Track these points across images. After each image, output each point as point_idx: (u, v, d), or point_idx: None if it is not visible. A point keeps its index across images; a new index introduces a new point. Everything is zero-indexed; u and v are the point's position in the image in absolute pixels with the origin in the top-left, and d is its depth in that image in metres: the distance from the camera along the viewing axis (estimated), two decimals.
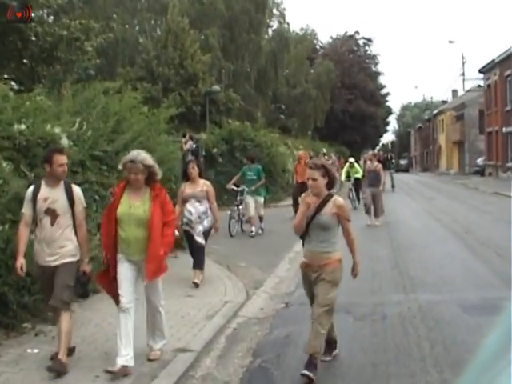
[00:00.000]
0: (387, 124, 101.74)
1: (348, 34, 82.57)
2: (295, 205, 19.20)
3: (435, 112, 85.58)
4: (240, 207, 18.38)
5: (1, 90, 9.10)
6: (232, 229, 17.80)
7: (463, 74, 70.12)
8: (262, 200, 18.84)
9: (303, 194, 6.79)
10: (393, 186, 37.55)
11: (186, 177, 11.29)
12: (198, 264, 11.21)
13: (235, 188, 18.46)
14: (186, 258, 13.56)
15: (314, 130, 63.32)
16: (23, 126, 8.67)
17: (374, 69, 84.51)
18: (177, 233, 10.12)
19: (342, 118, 72.53)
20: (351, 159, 28.11)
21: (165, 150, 13.88)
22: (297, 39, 59.01)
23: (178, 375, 6.43)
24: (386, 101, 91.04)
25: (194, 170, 11.11)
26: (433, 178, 61.46)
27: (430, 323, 8.31)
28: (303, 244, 6.76)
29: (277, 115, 55.41)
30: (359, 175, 25.87)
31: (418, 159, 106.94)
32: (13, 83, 14.77)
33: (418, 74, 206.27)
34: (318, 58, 67.80)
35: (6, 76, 14.23)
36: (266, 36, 50.92)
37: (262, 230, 18.62)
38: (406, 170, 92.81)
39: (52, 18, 26.08)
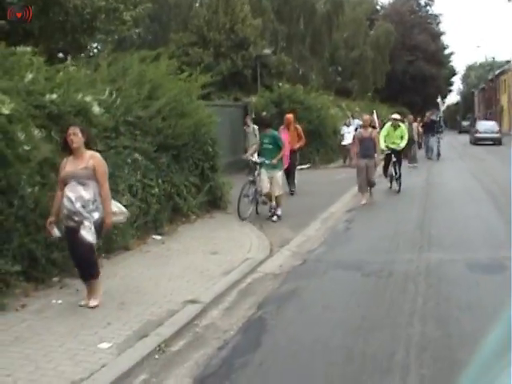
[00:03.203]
0: (451, 85, 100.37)
1: None
2: (287, 177, 17.93)
3: (497, 72, 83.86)
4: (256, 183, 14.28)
5: (35, 63, 9.67)
6: (243, 211, 13.82)
7: None
8: (279, 175, 14.31)
9: None
10: (438, 154, 32.64)
11: (67, 148, 7.45)
12: (88, 273, 7.53)
13: (253, 159, 14.39)
14: (222, 217, 14.21)
15: (374, 91, 62.89)
16: (54, 96, 9.28)
17: (436, 29, 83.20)
18: (57, 232, 7.48)
19: (403, 79, 71.72)
20: (395, 115, 19.56)
21: (201, 114, 14.42)
22: (355, 2, 58.51)
23: (181, 324, 6.96)
24: (450, 61, 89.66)
25: (76, 137, 7.29)
26: None
27: (432, 281, 8.66)
28: None
29: (334, 77, 55.35)
30: (403, 144, 18.73)
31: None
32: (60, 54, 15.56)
33: (483, 32, 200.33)
34: (379, 20, 67.12)
35: (52, 46, 14.94)
36: None
37: (279, 216, 14.16)
38: (468, 131, 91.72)
39: None
